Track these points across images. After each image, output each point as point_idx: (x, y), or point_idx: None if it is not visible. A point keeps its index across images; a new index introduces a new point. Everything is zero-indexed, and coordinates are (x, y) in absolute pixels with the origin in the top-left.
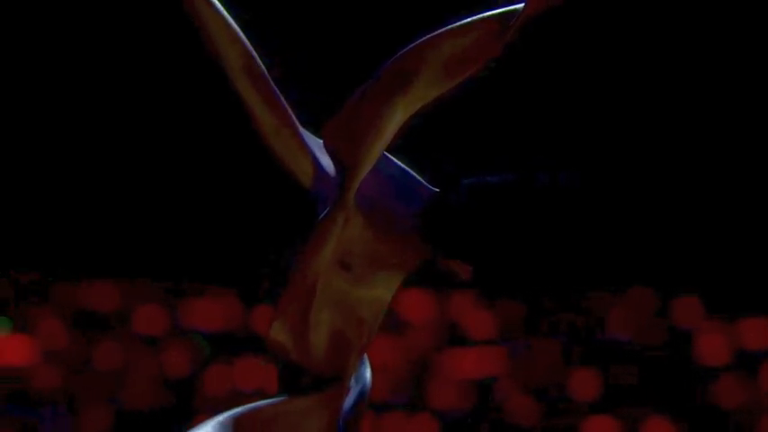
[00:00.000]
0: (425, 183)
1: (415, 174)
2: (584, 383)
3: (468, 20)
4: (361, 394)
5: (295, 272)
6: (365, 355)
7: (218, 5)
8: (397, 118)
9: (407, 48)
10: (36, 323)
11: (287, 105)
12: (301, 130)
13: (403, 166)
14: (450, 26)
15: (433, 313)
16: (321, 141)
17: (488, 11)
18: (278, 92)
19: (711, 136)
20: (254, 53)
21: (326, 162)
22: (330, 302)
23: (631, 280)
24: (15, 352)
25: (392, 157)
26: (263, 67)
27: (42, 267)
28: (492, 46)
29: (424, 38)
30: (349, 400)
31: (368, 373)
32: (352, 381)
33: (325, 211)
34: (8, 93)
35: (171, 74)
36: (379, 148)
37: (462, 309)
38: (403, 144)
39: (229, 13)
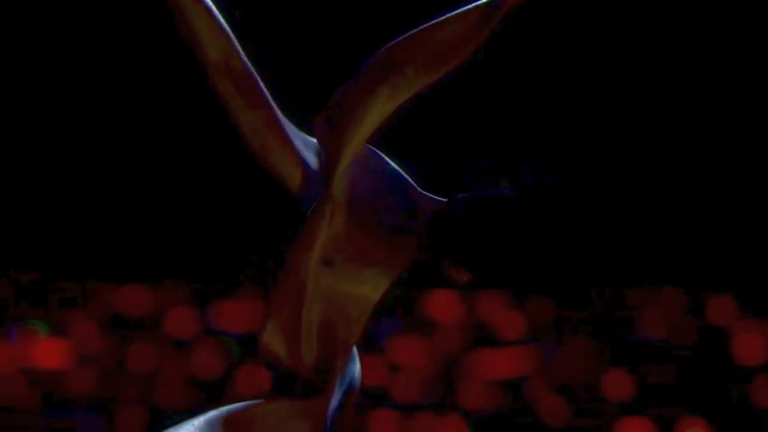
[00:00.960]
0: (415, 185)
1: (406, 175)
2: (617, 383)
3: (452, 13)
4: (349, 392)
5: (285, 272)
6: (355, 353)
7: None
8: (379, 107)
9: (394, 40)
10: (71, 327)
11: (273, 106)
12: (291, 131)
13: (396, 167)
14: (434, 19)
15: (461, 313)
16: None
17: (470, 3)
18: (263, 91)
19: (746, 136)
20: (239, 50)
21: (315, 163)
22: (316, 300)
23: (664, 279)
24: (51, 355)
25: (386, 158)
26: (247, 64)
27: (77, 271)
28: (475, 36)
29: (411, 31)
30: (336, 399)
31: (356, 371)
32: (339, 379)
33: (312, 208)
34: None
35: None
36: (360, 136)
37: (491, 308)
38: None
39: (219, 9)
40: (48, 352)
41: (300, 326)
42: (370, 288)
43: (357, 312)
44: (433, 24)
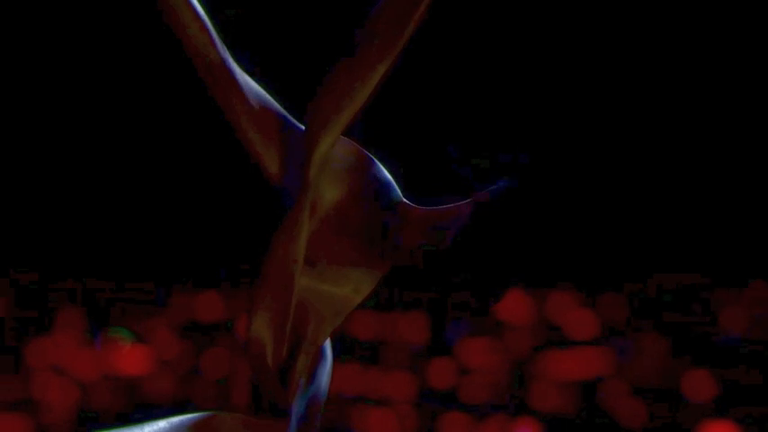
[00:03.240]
0: (401, 195)
1: (395, 184)
2: (699, 384)
3: None
4: (314, 402)
5: (269, 265)
6: (327, 354)
7: None
8: (355, 86)
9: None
10: (150, 333)
11: (251, 98)
12: (288, 124)
13: (386, 173)
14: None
15: (530, 313)
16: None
17: None
18: (237, 82)
19: None
20: (216, 41)
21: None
22: (298, 300)
23: (748, 275)
24: (133, 362)
25: (378, 162)
26: (224, 56)
27: (157, 279)
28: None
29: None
30: (302, 404)
31: (324, 377)
32: (302, 385)
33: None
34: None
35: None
36: (335, 122)
37: (562, 307)
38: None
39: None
40: (130, 358)
41: (288, 322)
42: (349, 289)
43: (331, 313)
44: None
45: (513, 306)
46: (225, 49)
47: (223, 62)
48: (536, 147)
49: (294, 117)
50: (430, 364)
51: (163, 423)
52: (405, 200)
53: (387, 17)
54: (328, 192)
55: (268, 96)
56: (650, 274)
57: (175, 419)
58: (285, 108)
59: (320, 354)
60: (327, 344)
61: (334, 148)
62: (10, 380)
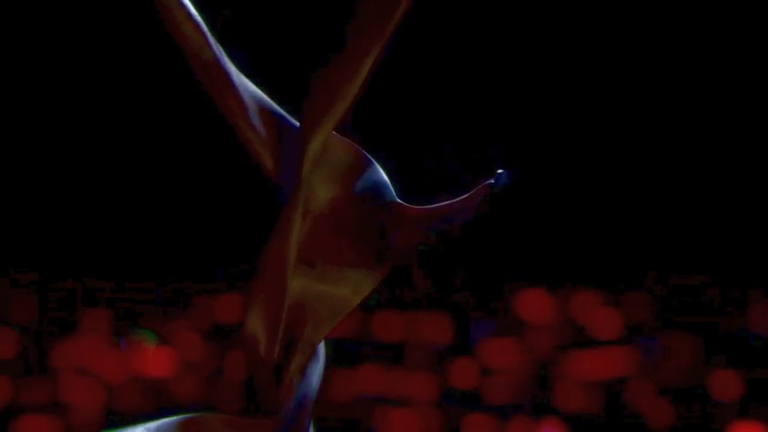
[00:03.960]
0: (393, 191)
1: (390, 186)
2: (726, 383)
3: None
4: (303, 403)
5: (264, 262)
6: (320, 353)
7: None
8: (337, 75)
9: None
10: (175, 335)
11: (245, 92)
12: (285, 124)
13: (382, 173)
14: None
15: (553, 312)
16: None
17: None
18: (231, 81)
19: None
20: (211, 41)
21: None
22: (294, 299)
23: None
24: (159, 363)
25: (375, 163)
26: (219, 55)
27: (181, 280)
28: None
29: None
30: (292, 404)
31: (316, 377)
32: (294, 385)
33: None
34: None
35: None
36: (326, 118)
37: (585, 306)
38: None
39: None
40: (155, 360)
41: (281, 320)
42: (348, 290)
43: (329, 313)
44: None
45: (536, 305)
46: (220, 48)
47: (218, 62)
48: (559, 146)
49: (291, 116)
50: (452, 364)
51: (152, 425)
52: (399, 200)
53: (370, 11)
54: (323, 190)
55: (264, 95)
56: (675, 271)
57: (163, 421)
58: (281, 107)
59: (314, 353)
60: (321, 344)
61: (333, 148)
62: (38, 382)
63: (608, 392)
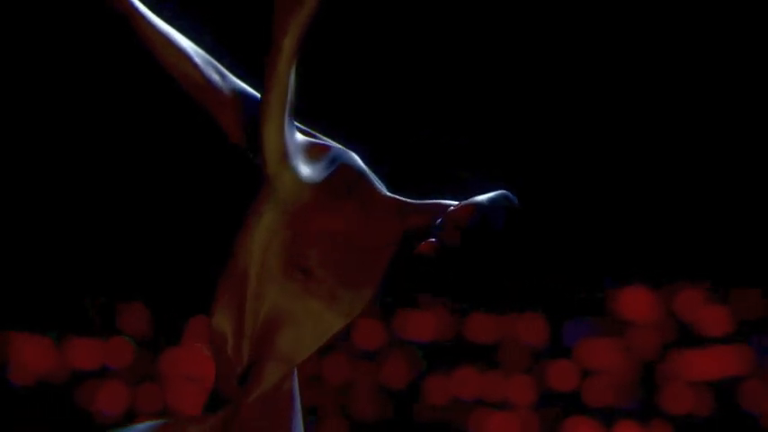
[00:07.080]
0: (380, 187)
1: (374, 177)
2: None
3: None
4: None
5: (232, 257)
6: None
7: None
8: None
9: None
10: None
11: (222, 86)
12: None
13: (365, 169)
14: None
15: (657, 310)
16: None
17: None
18: (213, 85)
19: None
20: (188, 52)
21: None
22: (276, 305)
23: None
24: None
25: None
26: (198, 64)
27: None
28: None
29: None
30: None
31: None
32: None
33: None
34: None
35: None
36: (272, 109)
37: (692, 304)
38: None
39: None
40: None
41: (244, 316)
42: (339, 311)
43: (313, 334)
44: None
45: (637, 303)
46: (205, 59)
47: (203, 75)
48: (662, 141)
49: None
50: (550, 365)
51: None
52: (384, 190)
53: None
54: (306, 192)
55: (255, 93)
56: None
57: (137, 427)
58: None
59: (290, 375)
60: (295, 383)
61: (310, 151)
62: (147, 389)
63: (719, 393)
